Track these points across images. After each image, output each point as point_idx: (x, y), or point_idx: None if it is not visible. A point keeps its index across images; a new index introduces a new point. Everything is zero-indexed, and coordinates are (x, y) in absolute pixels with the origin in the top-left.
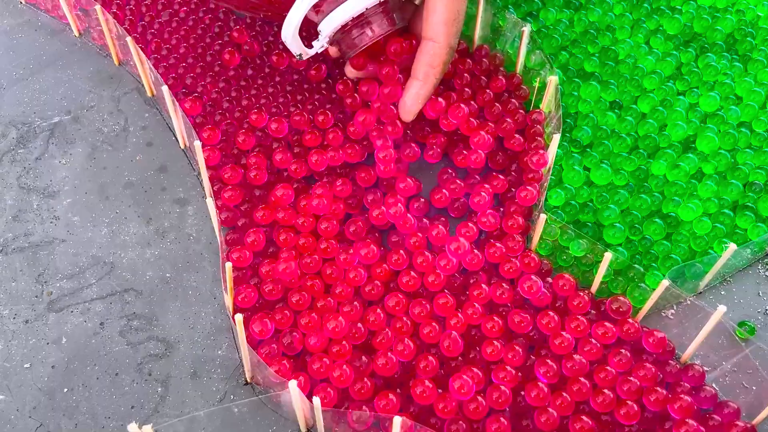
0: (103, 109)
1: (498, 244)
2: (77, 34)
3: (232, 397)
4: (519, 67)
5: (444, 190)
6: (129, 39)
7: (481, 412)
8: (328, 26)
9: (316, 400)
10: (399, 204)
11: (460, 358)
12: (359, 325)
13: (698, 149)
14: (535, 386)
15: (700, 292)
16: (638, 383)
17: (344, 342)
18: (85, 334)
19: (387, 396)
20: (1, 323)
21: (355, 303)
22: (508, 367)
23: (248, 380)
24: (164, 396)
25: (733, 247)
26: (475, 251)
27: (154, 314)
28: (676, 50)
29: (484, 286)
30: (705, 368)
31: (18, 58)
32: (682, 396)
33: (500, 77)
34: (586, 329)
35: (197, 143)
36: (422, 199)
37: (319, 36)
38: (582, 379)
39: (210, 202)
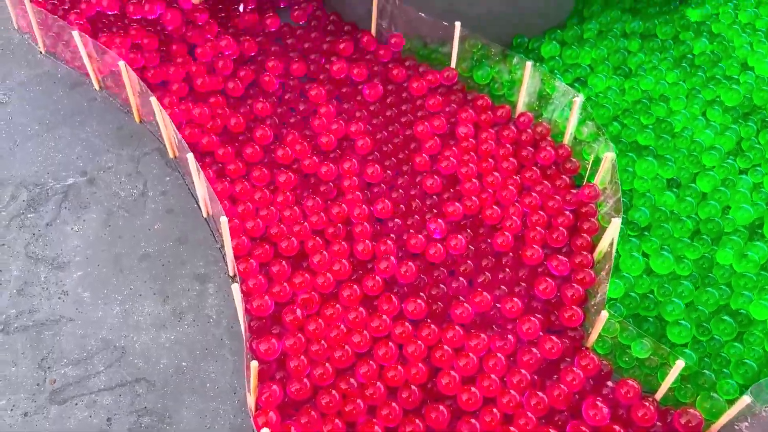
0: (121, 170)
1: (555, 338)
2: (97, 88)
3: None
4: (568, 138)
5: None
6: (153, 99)
7: None
8: None
9: None
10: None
11: None
12: None
13: (767, 236)
14: None
15: None
16: None
17: None
18: (90, 431)
19: None
20: None
21: (394, 405)
22: None
23: None
24: None
25: None
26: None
27: (168, 410)
28: (736, 123)
29: (540, 394)
30: None
31: (34, 112)
32: None
33: (548, 148)
34: None
35: (224, 219)
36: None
37: None
38: None
39: (236, 289)
